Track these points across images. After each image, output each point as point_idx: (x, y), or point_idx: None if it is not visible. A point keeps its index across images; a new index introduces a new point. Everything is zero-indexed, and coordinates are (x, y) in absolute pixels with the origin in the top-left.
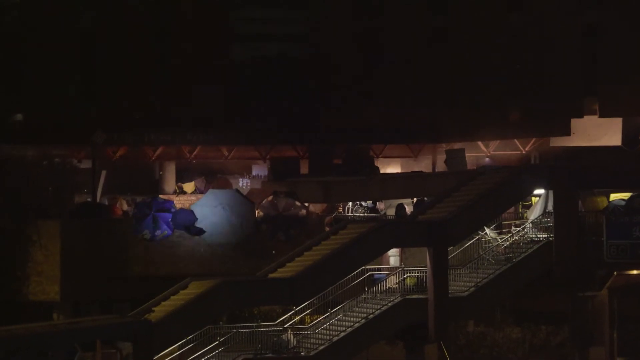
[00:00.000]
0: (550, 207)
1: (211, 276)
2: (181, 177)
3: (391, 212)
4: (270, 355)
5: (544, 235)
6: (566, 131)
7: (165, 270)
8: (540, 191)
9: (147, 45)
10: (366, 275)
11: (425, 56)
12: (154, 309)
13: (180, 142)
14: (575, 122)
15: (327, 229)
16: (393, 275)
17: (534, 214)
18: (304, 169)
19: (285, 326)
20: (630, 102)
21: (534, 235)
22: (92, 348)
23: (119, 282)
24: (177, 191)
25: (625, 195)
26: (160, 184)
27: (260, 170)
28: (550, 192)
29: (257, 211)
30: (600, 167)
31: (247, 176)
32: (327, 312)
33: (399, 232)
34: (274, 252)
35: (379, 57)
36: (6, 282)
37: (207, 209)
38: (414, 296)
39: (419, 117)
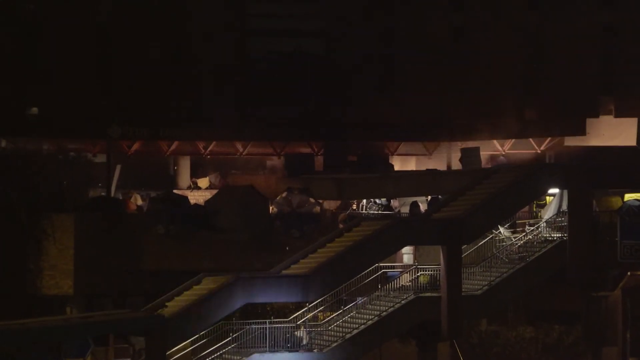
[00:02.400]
0: (564, 207)
1: (225, 272)
2: (195, 173)
3: (405, 209)
4: (283, 351)
5: (557, 235)
6: (581, 131)
7: (178, 265)
8: (554, 190)
9: (163, 40)
10: (380, 272)
11: (442, 54)
12: (167, 303)
13: (195, 138)
14: (590, 122)
15: (341, 226)
16: (406, 272)
17: (548, 213)
18: (319, 165)
19: (298, 323)
20: None
21: (547, 235)
22: (105, 342)
23: (133, 277)
24: (192, 186)
25: None
26: (174, 179)
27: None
28: (565, 192)
29: (271, 207)
30: (615, 167)
31: (262, 172)
32: (340, 309)
33: (412, 230)
34: (287, 248)
35: (396, 54)
36: (20, 276)
37: (222, 204)
38: (427, 294)
39: (435, 115)
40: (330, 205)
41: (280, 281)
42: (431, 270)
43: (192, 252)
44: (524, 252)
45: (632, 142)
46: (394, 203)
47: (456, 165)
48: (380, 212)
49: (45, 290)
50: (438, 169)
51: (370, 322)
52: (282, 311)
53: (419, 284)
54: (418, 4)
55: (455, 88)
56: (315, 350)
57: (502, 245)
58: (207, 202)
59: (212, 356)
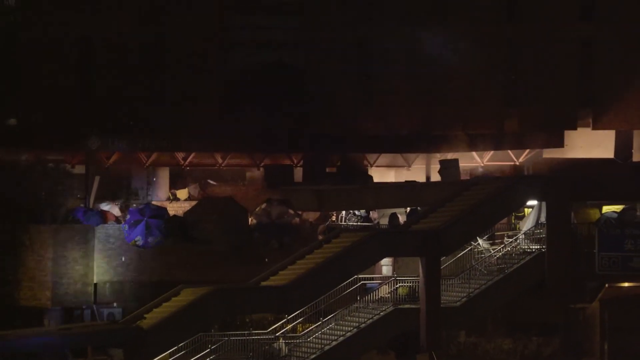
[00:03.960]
0: (543, 219)
1: (203, 283)
2: (175, 184)
3: (384, 221)
4: None
5: (536, 247)
6: (559, 143)
7: (157, 276)
8: (533, 202)
9: (143, 52)
10: (359, 284)
11: (420, 66)
12: (145, 315)
13: (174, 149)
14: (568, 134)
15: (320, 237)
16: (385, 284)
17: (526, 225)
18: (298, 177)
19: (277, 334)
20: (624, 114)
21: (526, 247)
22: (84, 354)
23: (111, 289)
24: (171, 198)
25: (618, 208)
26: (153, 191)
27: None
28: (543, 204)
29: (250, 219)
30: (593, 179)
31: (241, 183)
32: (319, 320)
33: (391, 242)
34: (266, 259)
35: (375, 66)
36: None
37: (201, 215)
38: (406, 306)
39: (414, 126)
40: (309, 216)
41: (259, 293)
42: (410, 282)
43: (171, 263)
44: (503, 264)
45: (610, 154)
46: (373, 214)
47: (435, 177)
48: (359, 223)
49: (24, 301)
50: (417, 180)
51: (349, 333)
52: (261, 323)
53: (398, 296)
54: (396, 16)
55: (434, 100)
56: None
57: (481, 257)
58: (186, 213)
59: None
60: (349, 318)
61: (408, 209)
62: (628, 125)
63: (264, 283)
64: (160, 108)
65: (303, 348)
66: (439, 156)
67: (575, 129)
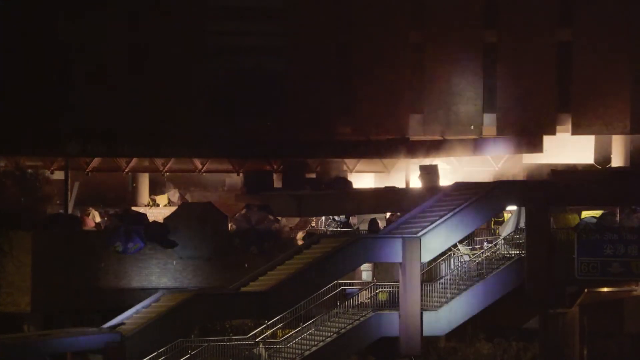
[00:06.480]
0: (522, 224)
1: (183, 289)
2: (154, 190)
3: (364, 226)
4: None
5: (515, 252)
6: (539, 148)
7: (137, 282)
8: (512, 207)
9: (121, 57)
10: (338, 289)
11: (399, 71)
12: (125, 321)
13: (154, 155)
14: (547, 139)
15: (300, 243)
16: (365, 290)
17: (506, 230)
18: (278, 182)
19: (257, 340)
20: (603, 119)
21: (505, 252)
22: None
23: (91, 294)
24: (150, 204)
25: (597, 213)
26: (133, 196)
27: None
28: (523, 209)
29: (230, 224)
30: (572, 184)
31: (221, 189)
32: (299, 326)
33: (371, 247)
34: (246, 265)
35: (354, 72)
36: None
37: (180, 221)
38: (386, 311)
39: (393, 132)
40: (289, 222)
41: (239, 298)
42: (390, 287)
43: (150, 269)
44: (482, 269)
45: (590, 160)
46: (353, 220)
47: (415, 182)
48: (339, 229)
49: (2, 307)
50: (397, 186)
51: (329, 339)
52: (241, 328)
53: (378, 301)
54: (376, 21)
55: (413, 105)
56: None
57: (461, 262)
58: (166, 219)
59: None
60: (328, 323)
61: (388, 214)
62: (607, 130)
63: (244, 289)
64: (140, 113)
65: (283, 353)
66: (418, 161)
67: (554, 134)
